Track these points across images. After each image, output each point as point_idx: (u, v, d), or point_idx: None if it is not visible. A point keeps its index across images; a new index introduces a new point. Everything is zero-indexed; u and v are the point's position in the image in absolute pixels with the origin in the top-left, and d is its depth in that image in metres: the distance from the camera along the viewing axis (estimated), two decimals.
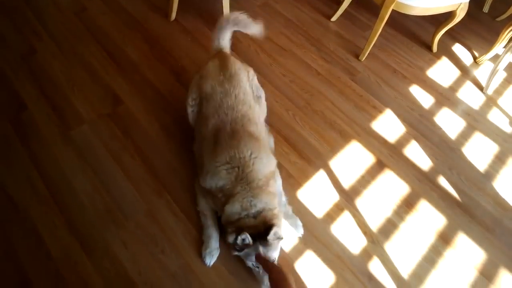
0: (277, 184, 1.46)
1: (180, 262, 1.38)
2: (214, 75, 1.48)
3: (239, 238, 1.18)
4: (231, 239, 1.24)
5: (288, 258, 1.40)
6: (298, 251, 1.42)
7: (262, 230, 1.21)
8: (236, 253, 1.24)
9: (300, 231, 1.46)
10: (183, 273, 1.36)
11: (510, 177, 1.70)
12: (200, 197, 1.46)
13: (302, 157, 1.67)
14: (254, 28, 1.60)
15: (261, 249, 1.20)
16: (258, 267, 1.24)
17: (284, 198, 1.49)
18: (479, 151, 1.77)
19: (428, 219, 1.55)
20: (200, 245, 1.40)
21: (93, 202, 1.49)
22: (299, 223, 1.47)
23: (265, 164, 1.35)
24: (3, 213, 1.45)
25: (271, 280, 0.38)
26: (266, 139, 1.51)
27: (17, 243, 1.39)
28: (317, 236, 1.46)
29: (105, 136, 1.67)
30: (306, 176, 1.61)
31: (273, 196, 1.32)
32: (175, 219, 1.47)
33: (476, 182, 1.67)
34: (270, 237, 1.19)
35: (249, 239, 1.18)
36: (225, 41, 1.61)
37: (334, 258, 1.42)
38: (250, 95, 1.50)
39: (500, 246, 1.50)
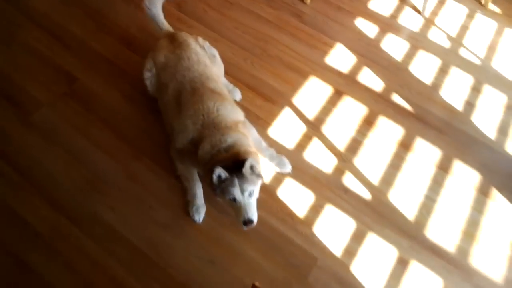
0: (252, 133, 1.50)
1: (170, 213, 1.44)
2: (165, 47, 1.53)
3: (214, 176, 1.20)
4: (207, 178, 1.26)
5: (270, 188, 1.51)
6: (278, 180, 1.53)
7: (236, 161, 1.23)
8: (217, 191, 1.26)
9: (289, 167, 1.54)
10: (175, 221, 1.43)
11: (454, 85, 1.88)
12: (177, 162, 1.49)
13: (266, 99, 1.75)
14: None
15: (237, 182, 1.22)
16: (235, 200, 1.25)
17: (263, 144, 1.54)
18: (424, 67, 1.93)
19: (388, 132, 1.70)
20: (186, 200, 1.46)
21: (70, 178, 1.50)
22: (285, 160, 1.54)
23: (230, 111, 1.40)
24: None
25: None
26: (228, 94, 1.54)
27: (2, 234, 1.39)
28: (292, 164, 1.56)
29: (68, 115, 1.65)
30: (273, 115, 1.70)
31: (244, 137, 1.37)
32: (157, 177, 1.52)
33: (425, 94, 1.84)
34: (246, 170, 1.22)
35: (224, 173, 1.21)
36: (160, 18, 1.64)
37: (311, 180, 1.54)
38: (203, 55, 1.54)
39: (452, 142, 1.69)
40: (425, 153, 1.66)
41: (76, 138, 1.59)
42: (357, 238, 1.44)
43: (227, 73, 1.74)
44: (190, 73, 1.44)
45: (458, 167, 1.64)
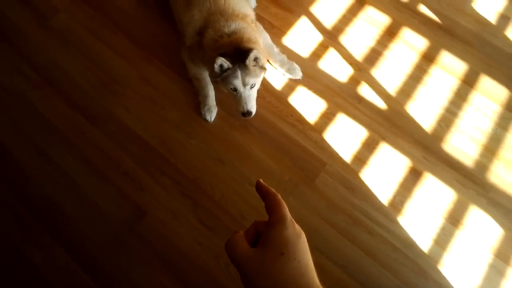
0: (264, 37, 1.47)
1: (181, 113, 1.46)
2: None
3: (215, 65, 1.17)
4: (210, 67, 1.23)
5: (282, 94, 1.48)
6: (290, 87, 1.49)
7: (239, 49, 1.19)
8: (218, 80, 1.24)
9: (299, 74, 1.49)
10: (186, 122, 1.44)
11: None
12: (188, 63, 1.47)
13: (282, 7, 1.66)
14: None
15: (239, 73, 1.20)
16: (236, 91, 1.25)
17: (275, 49, 1.49)
18: None
19: (411, 42, 1.59)
20: (197, 102, 1.46)
21: (86, 79, 1.53)
22: (296, 66, 1.49)
23: (238, 3, 1.33)
24: (3, 101, 1.50)
25: (266, 205, 0.39)
26: None
27: (23, 124, 1.45)
28: (306, 72, 1.51)
29: (83, 19, 1.64)
30: (288, 24, 1.62)
31: (251, 29, 1.30)
32: (168, 79, 1.51)
33: (456, 5, 1.67)
34: (249, 61, 1.19)
35: (226, 64, 1.18)
36: None
37: (324, 88, 1.49)
38: None
39: (480, 56, 1.56)
40: (450, 66, 1.54)
41: (91, 42, 1.59)
42: (369, 146, 1.41)
43: None
44: None
45: (485, 81, 1.52)
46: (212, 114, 1.44)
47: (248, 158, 1.39)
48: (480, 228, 1.28)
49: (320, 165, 1.37)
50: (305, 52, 1.56)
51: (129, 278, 1.24)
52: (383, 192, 1.33)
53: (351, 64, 1.54)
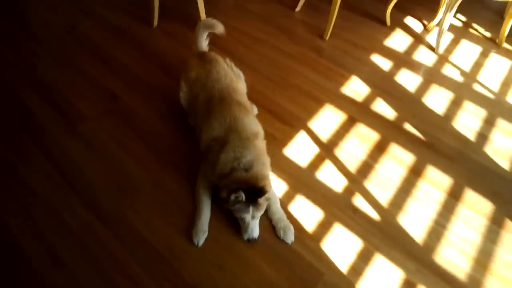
0: (271, 191, 1.54)
1: (188, 221, 1.56)
2: (196, 64, 1.75)
3: (234, 195, 1.33)
4: (223, 194, 1.39)
5: (281, 203, 1.60)
6: (289, 196, 1.63)
7: (253, 186, 1.36)
8: (229, 206, 1.40)
9: (291, 238, 1.49)
10: (191, 227, 1.54)
11: (466, 117, 1.94)
12: (200, 178, 1.61)
13: (284, 122, 1.90)
14: (219, 28, 1.88)
15: (251, 209, 1.37)
16: (245, 221, 1.41)
17: (279, 205, 1.56)
18: (437, 100, 2.02)
19: (399, 158, 1.77)
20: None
21: (104, 182, 1.68)
22: (291, 228, 1.51)
23: (253, 122, 1.57)
24: (25, 200, 1.63)
25: None
26: (251, 109, 1.72)
27: (42, 223, 1.56)
28: (304, 182, 1.67)
29: (109, 128, 1.88)
30: (289, 137, 1.84)
31: (262, 152, 1.51)
32: (179, 185, 1.66)
33: (438, 124, 1.91)
34: (262, 200, 1.37)
35: (242, 197, 1.33)
36: (202, 43, 1.88)
37: (321, 198, 1.63)
38: (230, 72, 1.75)
39: (463, 171, 1.73)
40: (436, 181, 1.70)
41: (113, 149, 1.80)
42: (364, 257, 1.48)
43: (249, 98, 1.92)
44: (219, 84, 1.64)
45: (469, 195, 1.66)
46: (199, 239, 1.49)
47: (248, 266, 1.45)
48: None
49: (318, 276, 1.43)
50: (303, 162, 1.74)
51: None
52: None
53: (345, 175, 1.70)
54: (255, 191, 1.36)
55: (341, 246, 1.50)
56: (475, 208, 1.62)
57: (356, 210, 1.60)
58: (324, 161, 1.75)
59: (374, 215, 1.59)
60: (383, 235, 1.53)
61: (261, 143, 1.54)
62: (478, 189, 1.68)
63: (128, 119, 1.92)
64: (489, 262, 1.48)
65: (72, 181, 1.69)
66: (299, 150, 1.79)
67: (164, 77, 2.12)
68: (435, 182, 1.69)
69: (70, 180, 1.69)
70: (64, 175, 1.71)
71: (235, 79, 1.73)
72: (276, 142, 1.81)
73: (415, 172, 1.72)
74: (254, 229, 1.44)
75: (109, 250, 1.50)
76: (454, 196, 1.65)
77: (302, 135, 1.85)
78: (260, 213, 1.42)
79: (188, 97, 1.75)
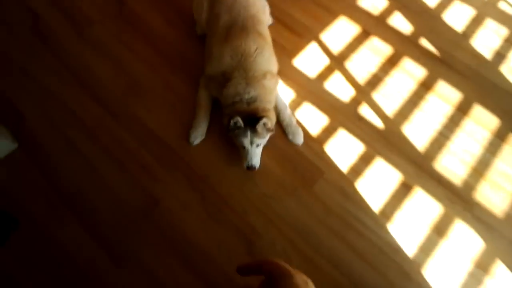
0: (280, 99, 1.60)
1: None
2: None
3: (232, 121, 1.38)
4: (225, 121, 1.44)
5: (289, 109, 1.63)
6: (296, 103, 1.65)
7: (253, 115, 1.40)
8: (229, 133, 1.44)
9: (301, 140, 1.56)
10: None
11: (486, 35, 1.87)
12: (201, 88, 1.62)
13: (294, 32, 1.85)
14: None
15: (249, 134, 1.40)
16: (244, 147, 1.43)
17: (288, 111, 1.59)
18: (457, 16, 1.93)
19: (411, 71, 1.75)
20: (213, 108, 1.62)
21: (114, 82, 1.71)
22: (300, 132, 1.57)
23: (266, 60, 1.51)
24: (42, 98, 1.68)
25: (265, 272, 0.47)
26: (271, 42, 1.61)
27: (55, 116, 1.63)
28: (312, 91, 1.68)
29: (116, 32, 1.85)
30: (299, 48, 1.81)
31: (268, 91, 1.47)
32: (189, 88, 1.68)
33: (454, 41, 1.85)
34: (259, 127, 1.38)
35: (240, 123, 1.38)
36: None
37: (328, 106, 1.65)
38: (258, 1, 1.63)
39: (475, 87, 1.71)
40: (446, 95, 1.69)
41: (121, 52, 1.79)
42: (365, 160, 1.54)
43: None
44: (245, 12, 1.54)
45: (478, 110, 1.66)
46: (195, 139, 1.56)
47: None
48: (463, 240, 1.37)
49: (319, 173, 1.51)
50: (312, 73, 1.73)
51: (139, 256, 1.36)
52: (376, 201, 1.45)
53: (354, 86, 1.70)
54: (254, 119, 1.40)
55: (343, 149, 1.56)
56: (481, 122, 1.63)
57: (361, 118, 1.63)
58: (333, 72, 1.74)
59: (379, 123, 1.62)
60: (386, 141, 1.58)
61: (269, 82, 1.49)
62: (487, 105, 1.67)
63: (135, 24, 1.89)
64: (486, 170, 1.53)
65: (82, 80, 1.72)
66: (309, 61, 1.77)
67: None
68: (444, 96, 1.69)
69: (80, 78, 1.72)
70: (74, 74, 1.73)
71: (261, 9, 1.62)
72: (286, 52, 1.78)
73: (425, 86, 1.71)
74: (254, 157, 1.44)
75: (121, 141, 1.58)
76: (461, 110, 1.66)
77: (312, 46, 1.81)
78: (259, 140, 1.43)
79: (206, 13, 1.64)
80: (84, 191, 1.49)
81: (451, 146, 1.58)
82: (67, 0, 1.98)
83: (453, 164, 1.54)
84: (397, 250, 1.35)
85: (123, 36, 1.85)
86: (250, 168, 1.44)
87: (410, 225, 1.40)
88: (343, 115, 1.63)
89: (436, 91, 1.70)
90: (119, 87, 1.70)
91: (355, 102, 1.67)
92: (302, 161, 1.53)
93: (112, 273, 1.34)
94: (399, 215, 1.42)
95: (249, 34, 1.50)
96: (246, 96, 1.44)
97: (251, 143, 1.41)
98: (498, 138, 1.60)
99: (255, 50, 1.49)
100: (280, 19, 1.89)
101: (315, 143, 1.56)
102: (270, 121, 1.42)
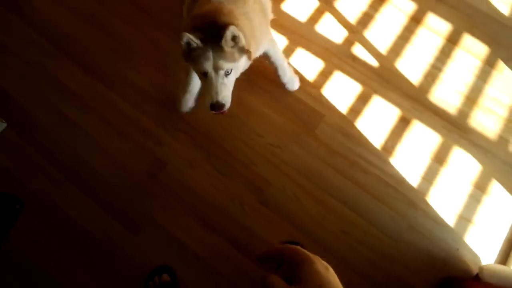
0: (277, 50, 1.39)
1: None
2: None
3: (182, 42, 0.98)
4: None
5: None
6: (290, 50, 1.62)
7: (214, 22, 0.99)
8: (188, 60, 1.04)
9: (296, 85, 1.49)
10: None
11: None
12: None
13: None
14: None
15: (211, 54, 0.98)
16: (206, 75, 1.03)
17: (286, 63, 1.44)
18: None
19: (400, 6, 1.71)
20: None
21: (99, 47, 1.63)
22: (296, 79, 1.50)
23: None
24: (24, 72, 1.60)
25: (286, 259, 0.46)
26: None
27: (46, 91, 1.57)
28: (303, 35, 1.64)
29: None
30: None
31: (248, 6, 1.11)
32: (176, 43, 1.62)
33: None
34: (225, 41, 0.96)
35: (195, 42, 0.97)
36: None
37: (321, 49, 1.63)
38: None
39: (463, 17, 1.69)
40: (435, 27, 1.69)
41: (101, 12, 1.69)
42: (362, 99, 1.56)
43: None
44: None
45: (467, 40, 1.67)
46: (183, 107, 1.43)
47: (254, 113, 1.52)
48: (462, 165, 1.45)
49: (319, 117, 1.52)
50: (302, 17, 1.68)
51: (154, 220, 1.39)
52: (376, 138, 1.49)
53: (345, 27, 1.67)
54: (217, 30, 0.97)
55: (340, 91, 1.57)
56: (471, 51, 1.65)
57: (355, 59, 1.62)
58: (323, 14, 1.69)
59: (373, 62, 1.62)
60: (381, 79, 1.59)
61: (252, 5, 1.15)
62: (476, 34, 1.68)
63: None
64: (478, 97, 1.58)
65: (65, 48, 1.63)
66: (298, 4, 1.71)
67: None
68: (434, 29, 1.69)
69: (62, 47, 1.63)
70: (54, 43, 1.64)
71: None
72: None
73: (415, 20, 1.70)
74: (221, 90, 1.02)
75: (117, 108, 1.54)
76: (452, 41, 1.67)
77: None
78: (227, 63, 1.00)
79: None
80: (85, 162, 1.48)
81: (444, 77, 1.61)
82: None
83: (447, 95, 1.57)
84: (402, 181, 1.42)
85: None
86: (216, 106, 1.03)
87: (411, 156, 1.46)
88: (337, 57, 1.62)
89: (426, 24, 1.69)
90: (105, 51, 1.63)
91: (348, 42, 1.65)
92: (302, 107, 1.53)
93: (129, 240, 1.37)
94: (400, 148, 1.48)
95: None
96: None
97: (216, 68, 1.00)
98: (488, 65, 1.64)
99: None
100: None
101: (313, 88, 1.56)
102: (240, 33, 0.98)
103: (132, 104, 1.54)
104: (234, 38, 0.98)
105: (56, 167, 1.48)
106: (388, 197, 1.39)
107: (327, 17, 1.69)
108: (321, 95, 1.56)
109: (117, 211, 1.40)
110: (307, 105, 1.53)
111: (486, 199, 1.41)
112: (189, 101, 1.44)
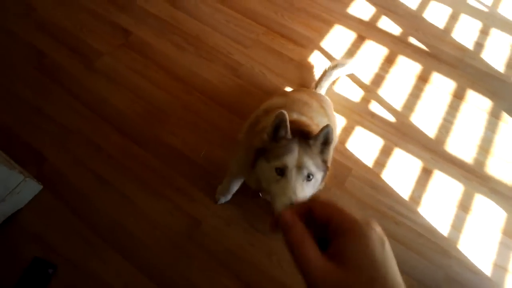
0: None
1: (223, 135, 1.67)
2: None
3: (275, 121, 0.91)
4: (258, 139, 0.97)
5: None
6: None
7: (299, 130, 0.96)
8: (266, 147, 0.94)
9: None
10: (228, 141, 1.65)
11: (464, 29, 2.08)
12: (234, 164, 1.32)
13: (297, 44, 1.97)
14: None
15: (297, 147, 0.89)
16: (282, 173, 0.89)
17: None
18: (436, 15, 2.14)
19: (407, 68, 1.91)
20: (237, 123, 1.68)
21: (134, 111, 1.73)
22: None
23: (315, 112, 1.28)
24: (59, 136, 1.67)
25: (321, 218, 0.38)
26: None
27: (78, 152, 1.62)
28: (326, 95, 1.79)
29: (126, 61, 1.88)
30: (304, 57, 1.92)
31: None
32: (207, 107, 1.74)
33: (438, 36, 2.04)
34: (317, 138, 0.91)
35: (285, 129, 0.90)
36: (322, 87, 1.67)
37: (341, 108, 1.76)
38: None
39: (464, 75, 1.90)
40: (441, 84, 1.87)
41: (135, 79, 1.82)
42: (385, 152, 1.66)
43: (259, 23, 1.98)
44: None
45: (471, 95, 1.84)
46: (220, 199, 1.50)
47: None
48: (486, 212, 1.52)
49: (347, 171, 1.60)
50: None
51: (191, 282, 1.37)
52: (403, 189, 1.56)
53: (361, 87, 1.83)
54: (303, 133, 0.95)
55: (364, 146, 1.67)
56: (476, 105, 1.81)
57: (373, 115, 1.75)
58: (339, 76, 1.87)
59: (390, 117, 1.75)
60: (400, 133, 1.71)
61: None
62: (478, 90, 1.86)
63: (145, 51, 1.92)
64: (490, 146, 1.70)
65: (101, 112, 1.72)
66: (315, 68, 1.89)
67: (172, 8, 2.10)
68: (440, 86, 1.86)
69: (98, 112, 1.73)
70: (91, 107, 1.74)
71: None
72: (294, 63, 1.89)
73: (422, 79, 1.88)
74: (299, 192, 0.86)
75: (151, 168, 1.59)
76: (457, 96, 1.83)
77: (315, 55, 1.93)
78: (312, 164, 0.89)
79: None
80: (121, 223, 1.48)
81: (455, 129, 1.74)
82: (70, 36, 1.98)
83: (461, 145, 1.69)
84: (432, 231, 1.47)
85: (134, 64, 1.88)
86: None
87: (438, 206, 1.53)
88: (357, 114, 1.75)
89: (432, 82, 1.87)
90: (139, 114, 1.72)
91: (365, 101, 1.80)
92: (331, 161, 1.61)
93: None
94: (426, 198, 1.55)
95: None
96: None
97: (298, 165, 0.88)
98: (494, 117, 1.79)
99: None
100: (282, 34, 2.00)
101: (339, 144, 1.66)
102: (333, 135, 0.94)
103: (167, 163, 1.60)
104: (326, 141, 0.92)
105: (91, 229, 1.48)
106: (422, 247, 1.43)
107: (343, 78, 1.86)
108: (346, 150, 1.65)
109: (154, 272, 1.39)
110: (336, 160, 1.62)
111: None
112: (228, 198, 1.51)
